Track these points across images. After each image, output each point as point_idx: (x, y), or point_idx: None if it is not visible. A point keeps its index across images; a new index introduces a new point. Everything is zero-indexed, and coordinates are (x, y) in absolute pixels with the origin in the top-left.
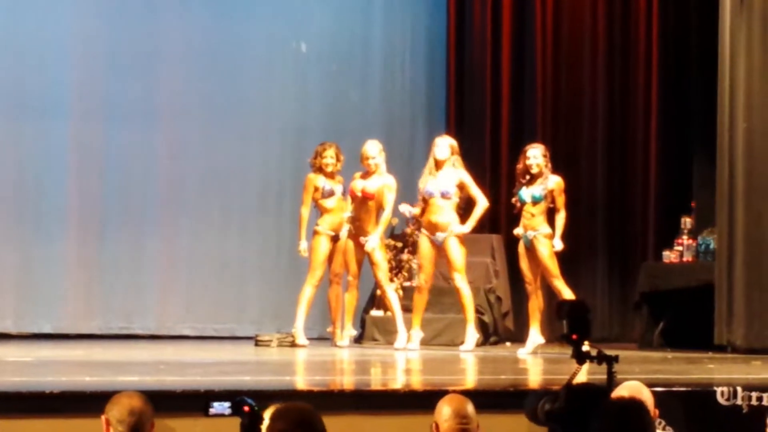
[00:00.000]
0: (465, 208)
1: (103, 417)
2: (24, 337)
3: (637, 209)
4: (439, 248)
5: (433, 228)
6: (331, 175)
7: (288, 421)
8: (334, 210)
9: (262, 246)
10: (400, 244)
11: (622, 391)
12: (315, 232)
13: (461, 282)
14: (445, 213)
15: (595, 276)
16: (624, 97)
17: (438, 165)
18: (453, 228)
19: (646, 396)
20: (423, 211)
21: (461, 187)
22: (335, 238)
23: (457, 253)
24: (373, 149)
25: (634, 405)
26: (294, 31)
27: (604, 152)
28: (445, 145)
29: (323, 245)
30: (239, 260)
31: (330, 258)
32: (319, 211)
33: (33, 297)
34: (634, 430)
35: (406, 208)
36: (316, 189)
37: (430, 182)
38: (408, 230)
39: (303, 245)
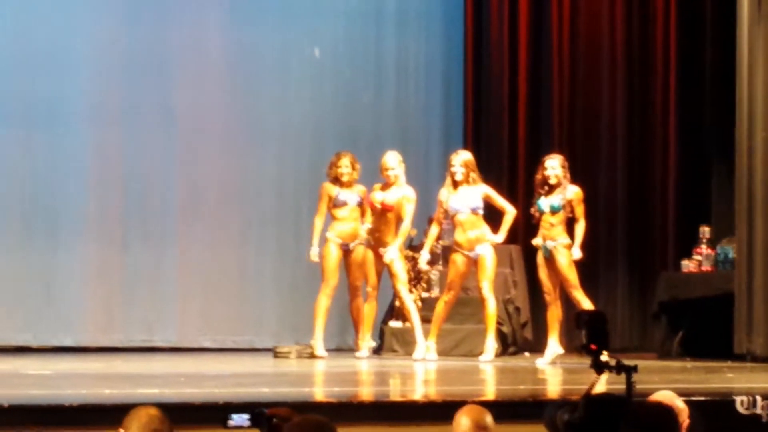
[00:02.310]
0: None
1: (121, 430)
2: (45, 350)
3: (656, 219)
4: (474, 262)
5: (472, 243)
6: (347, 185)
7: None
8: (345, 219)
9: (279, 257)
10: (419, 255)
11: (656, 399)
12: (325, 240)
13: (488, 292)
14: (478, 226)
15: (616, 286)
16: (642, 107)
17: (456, 183)
18: (489, 238)
19: (681, 407)
20: (439, 235)
21: (486, 199)
22: (345, 248)
23: (491, 263)
24: (393, 160)
25: (661, 410)
26: (308, 41)
27: (623, 162)
28: (460, 164)
29: (333, 253)
30: (257, 271)
31: (347, 270)
32: (331, 219)
33: (53, 310)
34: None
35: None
36: (330, 198)
37: (453, 199)
38: (424, 269)
39: (314, 251)
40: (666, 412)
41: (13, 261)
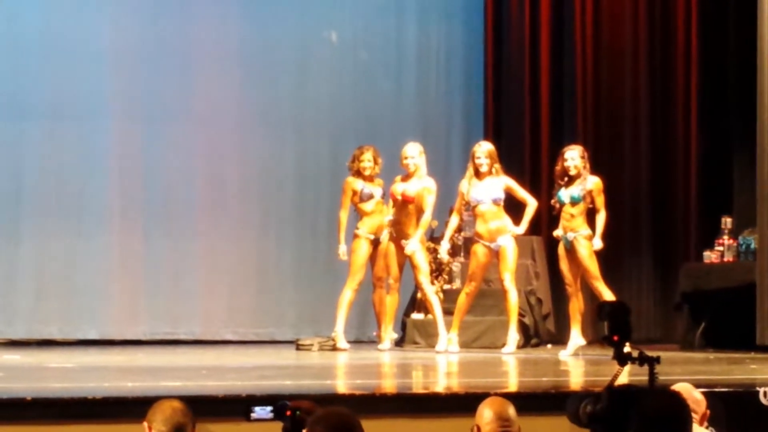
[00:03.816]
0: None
1: (144, 423)
2: (68, 343)
3: (678, 210)
4: (495, 254)
5: (493, 234)
6: (369, 179)
7: (327, 426)
8: (374, 213)
9: (299, 250)
10: (440, 247)
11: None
12: (355, 236)
13: (510, 284)
14: (499, 217)
15: (639, 277)
16: (664, 98)
17: (480, 175)
18: (510, 229)
19: (699, 398)
20: (459, 226)
21: (508, 191)
22: (375, 242)
23: (512, 254)
24: (413, 150)
25: (672, 398)
26: (328, 33)
27: (646, 154)
28: (485, 155)
29: (363, 249)
30: (277, 264)
31: (372, 261)
32: (358, 214)
33: (77, 303)
34: (671, 420)
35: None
36: (355, 192)
37: (475, 190)
38: (445, 261)
39: (342, 249)
40: (677, 400)
41: (37, 255)
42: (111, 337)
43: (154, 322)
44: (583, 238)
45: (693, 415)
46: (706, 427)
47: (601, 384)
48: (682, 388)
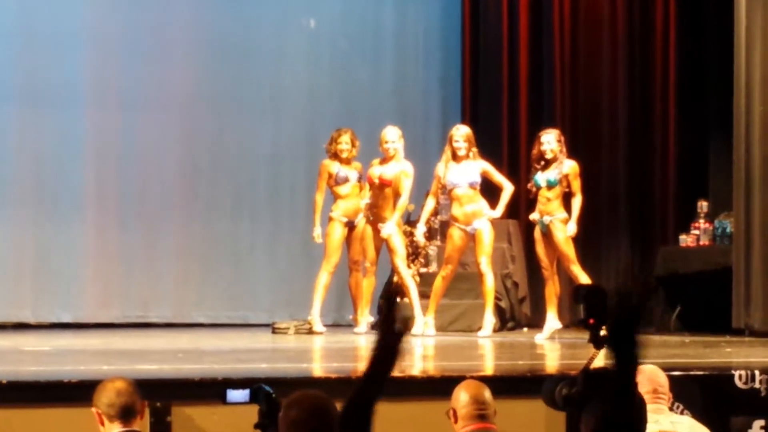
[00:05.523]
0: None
1: (93, 410)
2: (43, 326)
3: (655, 193)
4: (471, 237)
5: (469, 217)
6: (346, 161)
7: (302, 409)
8: (349, 196)
9: (274, 233)
10: (416, 230)
11: (638, 375)
12: (329, 219)
13: (487, 267)
14: (475, 201)
15: (617, 261)
16: (642, 81)
17: (457, 158)
18: (486, 212)
19: (663, 380)
20: (435, 210)
21: (484, 175)
22: (350, 225)
23: (488, 238)
24: (393, 134)
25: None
26: (305, 17)
27: (624, 138)
28: (463, 139)
29: (337, 231)
30: (251, 247)
31: (348, 244)
32: (333, 197)
33: (51, 287)
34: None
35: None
36: (331, 175)
37: (452, 173)
38: (422, 244)
39: (317, 231)
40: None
41: (11, 238)
42: (84, 321)
43: (127, 306)
44: (559, 221)
45: (662, 397)
46: (681, 411)
47: (577, 367)
48: (649, 369)
